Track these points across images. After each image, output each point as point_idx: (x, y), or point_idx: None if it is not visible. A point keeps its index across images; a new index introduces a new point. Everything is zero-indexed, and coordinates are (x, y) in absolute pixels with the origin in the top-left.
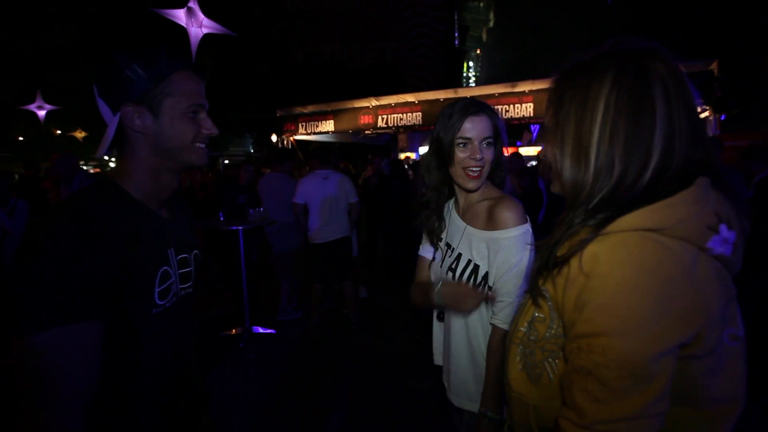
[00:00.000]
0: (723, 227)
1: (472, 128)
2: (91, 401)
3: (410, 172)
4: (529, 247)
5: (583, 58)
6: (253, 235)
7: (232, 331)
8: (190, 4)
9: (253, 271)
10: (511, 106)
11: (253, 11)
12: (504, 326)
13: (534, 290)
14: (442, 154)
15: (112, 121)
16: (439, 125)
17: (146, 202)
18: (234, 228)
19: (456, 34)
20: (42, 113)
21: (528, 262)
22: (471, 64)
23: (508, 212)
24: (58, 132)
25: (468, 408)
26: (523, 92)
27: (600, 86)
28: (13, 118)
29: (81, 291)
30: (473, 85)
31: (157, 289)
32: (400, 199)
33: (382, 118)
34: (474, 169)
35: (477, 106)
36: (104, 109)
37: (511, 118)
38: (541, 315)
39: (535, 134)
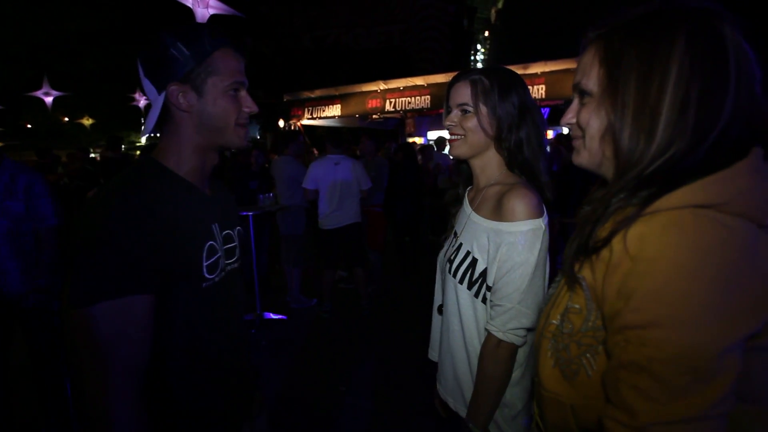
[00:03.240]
0: None
1: (451, 95)
2: (144, 370)
3: (419, 157)
4: (538, 246)
5: (633, 13)
6: (265, 221)
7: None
8: None
9: (265, 257)
10: None
11: None
12: (499, 334)
13: (569, 277)
14: None
15: (158, 100)
16: None
17: (190, 179)
18: (243, 213)
19: (465, 15)
20: (49, 100)
21: (535, 263)
22: (479, 46)
23: (517, 202)
24: (66, 119)
25: (463, 414)
26: (535, 74)
27: (671, 47)
28: (23, 105)
29: (128, 267)
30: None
31: (204, 263)
32: (409, 184)
33: (390, 102)
34: (451, 135)
35: (462, 73)
36: (149, 88)
37: None
38: (577, 305)
39: (545, 117)
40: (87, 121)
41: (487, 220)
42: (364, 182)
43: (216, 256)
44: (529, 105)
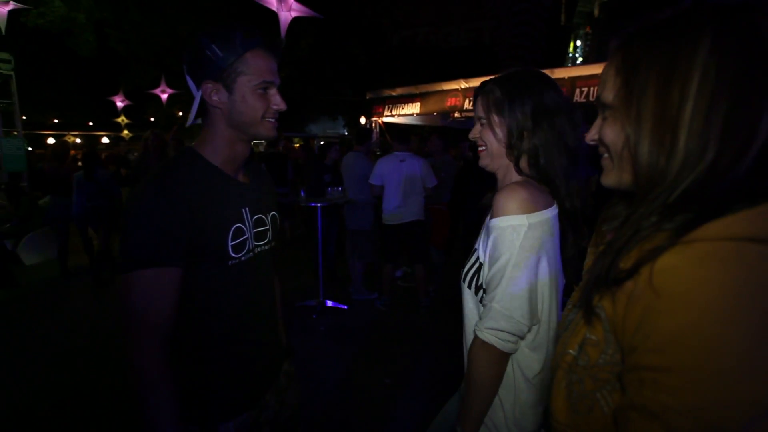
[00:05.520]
0: None
1: (474, 107)
2: (170, 332)
3: None
4: (518, 243)
5: (659, 16)
6: (334, 213)
7: (306, 302)
8: None
9: (333, 247)
10: None
11: None
12: (480, 334)
13: (587, 307)
14: None
15: (197, 96)
16: None
17: (222, 167)
18: (312, 205)
19: (562, 10)
20: (164, 96)
21: (514, 262)
22: (579, 42)
23: (502, 198)
24: (180, 113)
25: None
26: None
27: (694, 49)
28: (146, 101)
29: (159, 242)
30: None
31: (230, 243)
32: (480, 184)
33: (470, 101)
34: (479, 147)
35: (481, 85)
36: (191, 85)
37: None
38: (594, 337)
39: None
40: None
41: (489, 219)
42: (429, 180)
43: (243, 237)
44: (550, 109)
